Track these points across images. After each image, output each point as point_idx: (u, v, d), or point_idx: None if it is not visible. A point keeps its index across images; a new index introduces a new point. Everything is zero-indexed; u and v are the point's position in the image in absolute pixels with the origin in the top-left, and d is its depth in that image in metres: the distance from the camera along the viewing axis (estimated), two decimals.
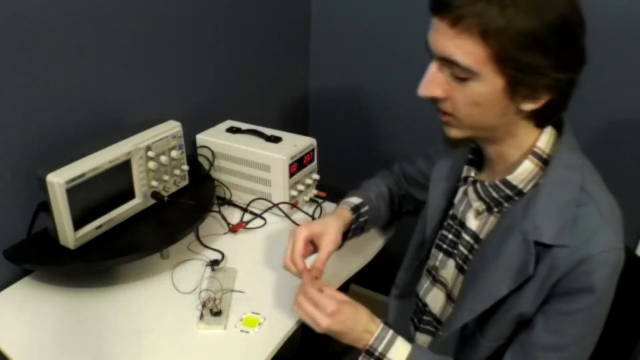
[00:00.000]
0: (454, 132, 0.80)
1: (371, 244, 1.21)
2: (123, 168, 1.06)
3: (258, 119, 1.45)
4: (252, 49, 1.57)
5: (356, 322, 0.87)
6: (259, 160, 1.28)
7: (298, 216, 1.30)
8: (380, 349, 0.86)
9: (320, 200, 1.34)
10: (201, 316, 0.98)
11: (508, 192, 0.82)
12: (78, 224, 1.00)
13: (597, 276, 0.73)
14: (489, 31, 0.68)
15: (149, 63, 1.26)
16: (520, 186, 0.81)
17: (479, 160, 0.90)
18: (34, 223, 1.08)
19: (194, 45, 1.37)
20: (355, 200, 1.12)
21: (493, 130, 0.79)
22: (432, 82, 0.75)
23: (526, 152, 0.80)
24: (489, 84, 0.72)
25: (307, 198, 1.34)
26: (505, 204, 0.83)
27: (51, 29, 1.03)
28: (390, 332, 0.88)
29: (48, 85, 1.06)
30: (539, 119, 0.79)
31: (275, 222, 1.28)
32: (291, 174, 1.27)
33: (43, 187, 0.96)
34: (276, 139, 1.31)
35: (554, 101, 0.75)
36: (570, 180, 0.77)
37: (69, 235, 0.99)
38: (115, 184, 1.06)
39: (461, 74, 0.72)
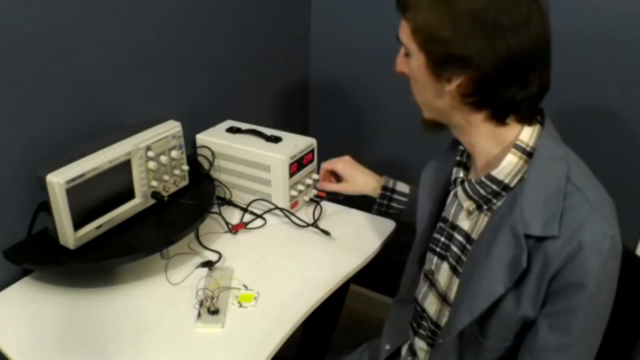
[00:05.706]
0: (424, 114, 0.89)
1: (371, 244, 1.21)
2: (123, 168, 1.07)
3: (258, 119, 1.45)
4: (252, 49, 1.57)
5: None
6: (259, 160, 1.28)
7: (298, 217, 1.30)
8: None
9: (320, 200, 1.34)
10: (199, 315, 0.98)
11: (494, 187, 0.82)
12: (78, 224, 1.00)
13: (591, 266, 0.72)
14: (408, 6, 0.78)
15: (149, 63, 1.26)
16: (506, 180, 0.81)
17: (466, 162, 0.92)
18: (34, 223, 1.09)
19: (194, 45, 1.37)
20: (398, 186, 1.24)
21: (445, 115, 0.84)
22: (398, 62, 0.86)
23: (508, 146, 0.81)
24: (416, 59, 0.80)
25: (307, 198, 1.34)
26: (494, 201, 0.83)
27: (51, 28, 1.03)
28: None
29: (48, 85, 1.06)
30: (492, 111, 0.80)
31: (275, 222, 1.28)
32: (291, 174, 1.27)
33: (43, 187, 0.96)
34: (276, 139, 1.31)
35: (476, 88, 0.76)
36: (556, 170, 0.77)
37: (69, 235, 0.99)
38: (115, 184, 1.06)
39: (406, 51, 0.82)
